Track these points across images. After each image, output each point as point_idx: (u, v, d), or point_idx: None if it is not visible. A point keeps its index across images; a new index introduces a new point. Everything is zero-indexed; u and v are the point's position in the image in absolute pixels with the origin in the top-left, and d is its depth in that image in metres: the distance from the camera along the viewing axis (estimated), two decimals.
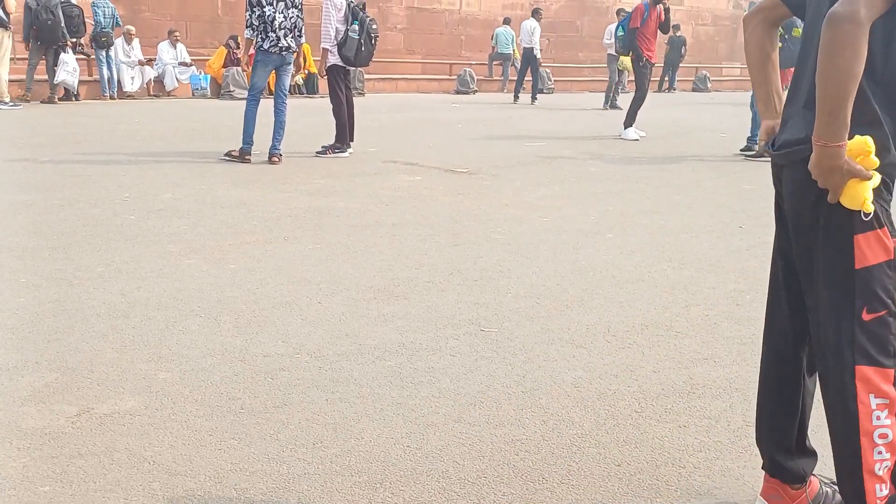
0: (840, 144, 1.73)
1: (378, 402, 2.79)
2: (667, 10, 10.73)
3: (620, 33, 11.72)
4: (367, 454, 2.45)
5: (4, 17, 12.20)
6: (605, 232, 5.40)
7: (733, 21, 26.54)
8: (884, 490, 1.85)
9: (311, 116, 11.50)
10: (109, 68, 14.47)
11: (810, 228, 1.87)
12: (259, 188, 6.63)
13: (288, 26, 7.96)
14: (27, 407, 2.69)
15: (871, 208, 1.78)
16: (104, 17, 14.20)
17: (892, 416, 1.84)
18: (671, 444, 2.56)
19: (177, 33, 15.95)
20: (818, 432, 2.19)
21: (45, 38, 12.63)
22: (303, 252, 4.70)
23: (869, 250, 1.81)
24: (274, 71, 8.10)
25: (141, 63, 15.26)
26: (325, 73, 8.85)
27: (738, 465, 2.45)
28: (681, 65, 22.86)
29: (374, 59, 9.14)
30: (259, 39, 7.88)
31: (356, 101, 9.36)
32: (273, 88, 8.26)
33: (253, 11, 7.85)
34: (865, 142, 1.76)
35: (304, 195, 6.41)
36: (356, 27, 8.45)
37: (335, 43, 8.47)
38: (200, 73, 16.08)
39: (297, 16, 8.08)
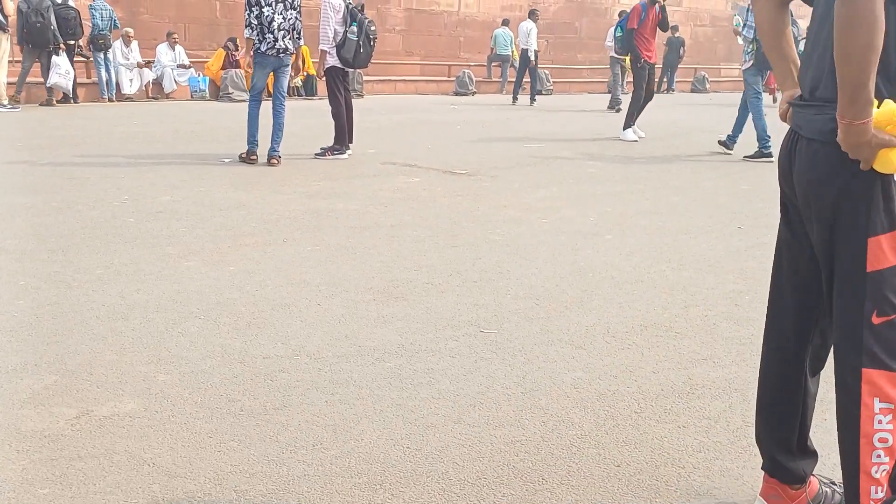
0: (866, 121, 1.70)
1: (377, 404, 2.79)
2: (662, 9, 10.72)
3: (619, 34, 11.73)
4: (366, 456, 2.45)
5: (3, 19, 12.20)
6: (604, 233, 5.40)
7: (731, 22, 26.57)
8: (879, 492, 1.85)
9: (310, 118, 11.50)
10: (108, 70, 14.46)
11: (824, 229, 1.85)
12: (258, 190, 6.63)
13: (286, 28, 7.98)
14: (26, 409, 2.69)
15: None
16: (101, 20, 14.18)
17: (895, 422, 1.83)
18: (670, 445, 2.56)
19: (175, 35, 15.95)
20: (818, 432, 2.19)
21: (34, 40, 12.60)
22: (302, 254, 4.70)
23: (882, 253, 1.79)
24: (272, 73, 8.12)
25: (139, 65, 15.27)
26: (323, 74, 8.86)
27: (738, 465, 2.45)
28: (679, 66, 22.90)
29: (372, 61, 9.16)
30: (256, 41, 7.88)
31: (355, 102, 9.36)
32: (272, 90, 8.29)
33: (251, 11, 7.87)
34: (893, 111, 1.72)
35: (303, 197, 6.41)
36: (355, 29, 8.45)
37: (334, 45, 8.47)
38: (199, 76, 16.08)
39: (296, 17, 8.09)
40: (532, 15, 17.41)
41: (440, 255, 4.73)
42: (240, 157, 8.08)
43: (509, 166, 8.27)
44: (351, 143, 8.75)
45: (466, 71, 20.02)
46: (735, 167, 8.82)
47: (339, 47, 8.45)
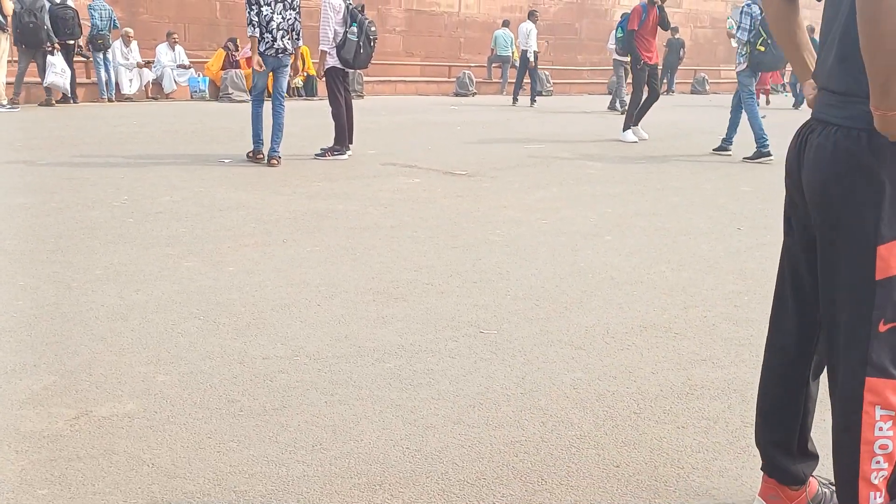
0: None
1: (377, 404, 2.79)
2: (661, 9, 10.72)
3: (620, 35, 11.73)
4: (366, 456, 2.45)
5: (2, 19, 12.20)
6: (603, 234, 5.40)
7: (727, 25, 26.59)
8: (878, 498, 1.84)
9: (310, 119, 11.51)
10: (107, 70, 14.47)
11: (829, 230, 1.84)
12: (258, 191, 6.63)
13: (285, 27, 7.99)
14: (25, 410, 2.69)
15: None
16: (100, 20, 14.18)
17: (895, 428, 1.81)
18: (670, 445, 2.56)
19: (175, 35, 15.95)
20: (817, 433, 2.19)
21: (28, 41, 12.59)
22: (301, 254, 4.70)
23: (893, 260, 1.77)
24: (271, 73, 8.13)
25: (139, 65, 15.27)
26: (323, 75, 8.86)
27: (737, 465, 2.45)
28: (679, 67, 22.90)
29: (372, 62, 9.16)
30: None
31: (355, 103, 9.37)
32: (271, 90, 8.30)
33: (252, 9, 7.89)
34: None
35: (303, 197, 6.41)
36: (355, 29, 8.46)
37: (334, 45, 8.47)
38: (199, 76, 16.08)
39: (295, 17, 8.10)
40: (532, 16, 17.42)
41: (440, 256, 4.73)
42: (247, 155, 8.20)
43: (509, 167, 8.27)
44: (351, 143, 8.76)
45: (467, 72, 20.03)
46: (735, 168, 8.82)
47: (340, 48, 8.46)
